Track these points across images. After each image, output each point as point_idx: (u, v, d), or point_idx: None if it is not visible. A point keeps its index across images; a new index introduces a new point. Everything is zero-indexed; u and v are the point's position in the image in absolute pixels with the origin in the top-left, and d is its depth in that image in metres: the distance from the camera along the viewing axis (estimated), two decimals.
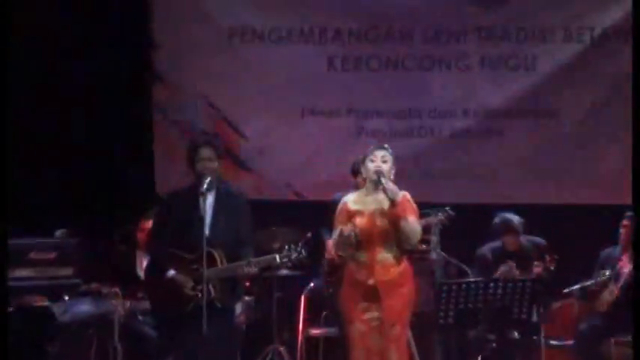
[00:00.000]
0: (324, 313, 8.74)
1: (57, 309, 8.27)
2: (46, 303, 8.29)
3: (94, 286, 8.53)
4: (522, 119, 10.10)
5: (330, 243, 7.56)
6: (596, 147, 9.96)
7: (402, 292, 6.69)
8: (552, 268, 8.42)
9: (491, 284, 7.79)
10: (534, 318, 8.37)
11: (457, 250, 9.02)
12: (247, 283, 8.72)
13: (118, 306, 8.22)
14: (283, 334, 9.07)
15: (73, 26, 10.10)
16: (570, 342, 8.72)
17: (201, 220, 6.84)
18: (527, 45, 10.06)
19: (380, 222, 6.66)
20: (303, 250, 6.89)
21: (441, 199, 8.98)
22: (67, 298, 8.44)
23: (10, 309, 7.57)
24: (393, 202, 6.59)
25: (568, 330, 8.81)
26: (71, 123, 10.23)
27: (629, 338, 7.71)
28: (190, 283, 6.84)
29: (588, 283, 8.67)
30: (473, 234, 9.07)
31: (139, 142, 10.32)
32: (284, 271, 8.90)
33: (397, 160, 6.84)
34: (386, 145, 6.86)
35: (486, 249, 8.79)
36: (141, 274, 8.07)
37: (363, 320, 6.63)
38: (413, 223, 6.68)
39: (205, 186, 6.85)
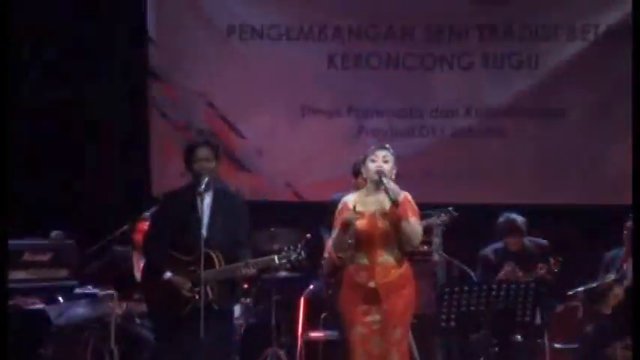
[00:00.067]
0: (323, 315, 8.72)
1: (52, 311, 8.26)
2: (40, 305, 8.28)
3: (89, 288, 8.51)
4: (526, 118, 10.10)
5: (329, 243, 7.53)
6: (601, 147, 9.96)
7: (403, 294, 6.68)
8: (556, 269, 8.40)
9: (494, 286, 7.77)
10: (538, 321, 8.34)
11: (459, 252, 9.01)
12: (245, 285, 8.70)
13: (115, 308, 8.21)
14: (282, 337, 9.05)
15: (69, 23, 10.10)
16: (575, 345, 8.71)
17: (199, 221, 6.83)
18: (530, 43, 10.06)
19: (381, 223, 6.65)
20: (302, 251, 6.87)
21: (443, 200, 8.95)
22: (62, 300, 8.44)
23: None
24: (394, 203, 6.57)
25: (572, 333, 8.80)
26: (66, 122, 10.23)
27: None
28: (188, 285, 6.83)
29: (593, 285, 8.65)
30: (475, 235, 9.06)
31: (134, 141, 10.31)
32: (283, 273, 8.89)
33: (398, 160, 6.83)
34: (387, 145, 6.85)
35: (489, 250, 8.79)
36: (138, 275, 8.05)
37: (364, 323, 6.62)
38: (414, 224, 6.67)
39: (203, 186, 6.84)
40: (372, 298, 6.64)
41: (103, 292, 8.37)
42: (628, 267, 8.45)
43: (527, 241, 8.72)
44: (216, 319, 6.81)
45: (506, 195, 9.86)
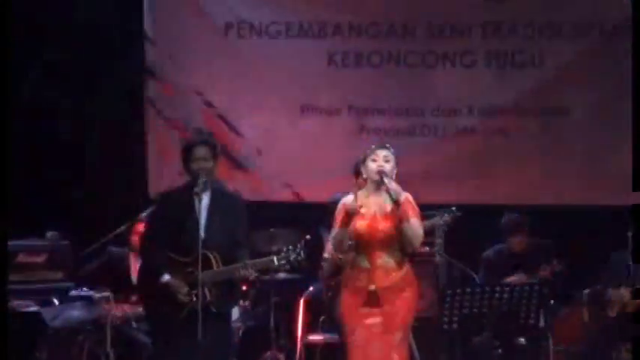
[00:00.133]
0: (322, 318, 8.71)
1: (47, 314, 8.26)
2: (35, 308, 8.28)
3: (85, 290, 8.50)
4: (529, 117, 10.09)
5: (329, 245, 7.52)
6: (606, 146, 9.94)
7: (404, 297, 6.66)
8: (560, 271, 8.39)
9: (497, 288, 7.76)
10: (542, 323, 8.34)
11: (462, 253, 9.00)
12: (244, 287, 8.71)
13: (111, 311, 8.19)
14: (281, 340, 9.06)
15: (67, 21, 10.11)
16: (580, 348, 8.69)
17: (196, 221, 6.81)
18: (534, 41, 10.04)
19: (381, 225, 6.63)
20: (301, 252, 6.85)
21: (444, 200, 8.96)
22: (57, 302, 8.43)
23: None
24: (396, 203, 6.55)
25: (577, 336, 8.79)
26: (60, 121, 10.23)
27: None
28: (185, 289, 6.81)
29: (598, 287, 8.64)
30: (478, 236, 9.05)
31: (132, 141, 10.30)
32: (282, 275, 8.89)
33: (399, 160, 6.81)
34: (388, 145, 6.83)
35: (491, 252, 8.77)
36: (134, 277, 8.04)
37: (364, 326, 6.60)
38: (415, 225, 6.65)
39: (200, 186, 6.82)
40: (373, 300, 6.63)
41: (99, 295, 8.37)
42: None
43: (532, 242, 8.71)
44: (214, 322, 6.80)
45: (509, 195, 9.86)
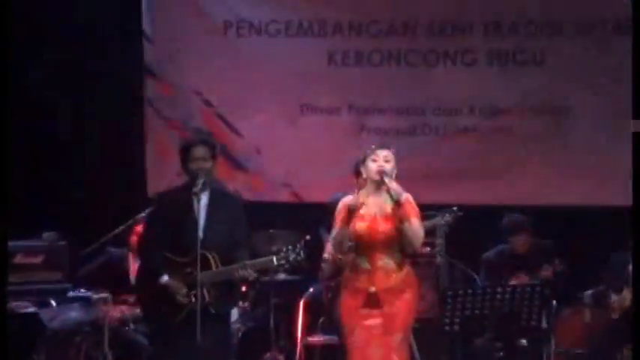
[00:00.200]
0: (321, 320, 8.73)
1: (44, 315, 8.27)
2: (32, 309, 8.29)
3: (83, 291, 8.53)
4: (531, 117, 10.09)
5: (329, 245, 7.55)
6: (610, 146, 9.94)
7: (405, 298, 6.68)
8: (562, 271, 8.41)
9: (499, 289, 7.78)
10: (544, 325, 8.36)
11: (463, 254, 9.02)
12: (243, 288, 8.73)
13: (109, 312, 8.22)
14: (281, 341, 9.07)
15: (65, 20, 10.13)
16: (582, 350, 8.72)
17: (195, 222, 6.84)
18: (536, 39, 10.05)
19: (382, 227, 6.64)
20: (301, 252, 6.87)
21: (445, 201, 8.97)
22: (54, 303, 8.45)
23: None
24: (397, 203, 6.55)
25: (580, 337, 8.80)
26: (58, 121, 10.26)
27: None
28: (184, 290, 6.83)
29: (601, 288, 8.66)
30: (479, 237, 9.07)
31: (131, 141, 10.33)
32: (282, 276, 8.91)
33: (400, 160, 6.83)
34: (388, 145, 6.83)
35: (492, 253, 8.79)
36: (133, 278, 8.06)
37: (364, 327, 6.62)
38: (416, 225, 6.66)
39: (199, 187, 6.85)
40: (373, 302, 6.64)
41: (97, 296, 8.38)
42: None
43: (534, 242, 8.73)
44: (213, 323, 6.81)
45: (510, 196, 9.87)
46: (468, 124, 10.12)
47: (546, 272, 8.42)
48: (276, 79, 10.16)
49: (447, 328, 7.69)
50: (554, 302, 8.72)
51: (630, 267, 8.43)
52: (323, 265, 8.11)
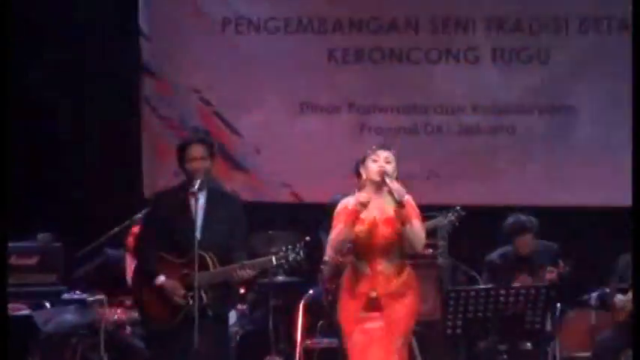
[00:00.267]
0: (320, 323, 8.73)
1: (39, 318, 8.27)
2: (27, 311, 8.29)
3: (78, 293, 8.52)
4: (536, 115, 10.10)
5: (329, 247, 7.54)
6: (616, 145, 9.94)
7: (405, 302, 6.65)
8: (567, 273, 8.41)
9: (502, 291, 7.77)
10: (548, 327, 8.36)
11: (466, 255, 9.02)
12: (242, 290, 8.73)
13: (105, 315, 8.21)
14: (280, 344, 9.07)
15: (62, 19, 10.14)
16: (587, 353, 8.70)
17: (192, 222, 6.83)
18: (541, 36, 10.06)
19: (382, 231, 6.60)
20: (301, 252, 6.86)
21: (448, 201, 8.97)
22: (49, 306, 8.45)
23: None
24: (400, 204, 6.51)
25: (585, 341, 8.80)
26: (54, 120, 10.26)
27: None
28: (181, 291, 6.83)
29: (606, 290, 8.66)
30: (482, 238, 9.07)
31: (127, 140, 10.33)
32: (281, 278, 8.91)
33: (401, 160, 6.81)
34: (389, 146, 6.79)
35: (495, 255, 8.77)
36: (130, 280, 8.06)
37: (364, 331, 6.60)
38: (417, 228, 6.62)
39: (196, 186, 6.84)
40: (373, 306, 6.62)
41: (93, 298, 8.38)
42: None
43: (537, 244, 8.72)
44: (211, 326, 6.81)
45: (514, 196, 9.87)
46: (471, 123, 10.12)
47: (551, 274, 8.40)
48: (275, 77, 10.16)
49: (449, 330, 7.68)
50: (559, 304, 8.71)
51: None
52: (323, 267, 8.10)
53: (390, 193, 6.53)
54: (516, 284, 8.37)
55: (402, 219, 6.52)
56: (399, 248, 6.63)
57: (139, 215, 8.20)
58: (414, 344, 8.39)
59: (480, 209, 9.32)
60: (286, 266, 6.95)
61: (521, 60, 10.09)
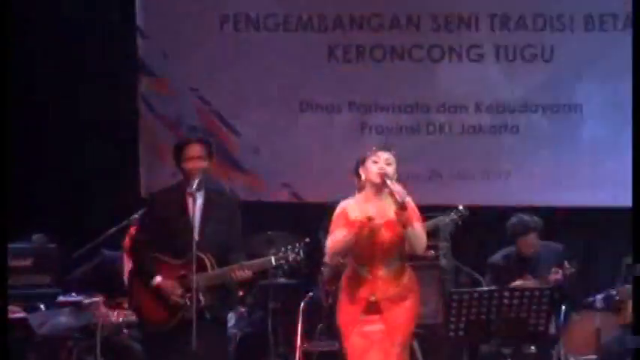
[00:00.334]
0: (320, 326, 8.72)
1: (33, 320, 8.26)
2: (21, 314, 8.28)
3: (73, 295, 8.52)
4: (540, 114, 10.10)
5: (327, 245, 7.52)
6: (622, 144, 9.93)
7: (405, 306, 6.65)
8: (572, 275, 8.39)
9: (506, 293, 7.75)
10: (552, 330, 8.35)
11: (469, 257, 9.00)
12: (241, 293, 8.72)
13: (101, 317, 8.21)
14: (279, 347, 9.08)
15: (57, 16, 10.14)
16: (592, 357, 8.71)
17: (190, 223, 6.83)
18: (545, 33, 10.05)
19: (383, 234, 6.59)
20: (300, 252, 6.86)
21: (451, 202, 8.92)
22: (44, 308, 8.44)
23: None
24: (402, 207, 6.48)
25: (590, 344, 8.79)
26: (50, 119, 10.25)
27: None
28: (179, 290, 6.83)
29: (611, 292, 8.65)
30: (486, 239, 9.06)
31: (123, 139, 10.32)
32: (281, 280, 8.92)
33: (403, 160, 6.79)
34: (389, 147, 6.77)
35: (499, 256, 8.78)
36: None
37: (363, 334, 6.60)
38: (419, 230, 6.61)
39: (194, 186, 6.83)
40: (373, 309, 6.62)
41: (88, 300, 8.37)
42: None
43: (541, 245, 8.71)
44: (209, 328, 6.81)
45: (518, 196, 9.87)
46: (474, 122, 10.12)
47: (555, 275, 8.39)
48: (274, 75, 10.16)
49: (451, 333, 7.66)
50: (564, 306, 8.71)
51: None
52: (323, 268, 8.10)
53: (391, 195, 6.52)
54: (517, 282, 8.37)
55: (403, 221, 6.51)
56: (399, 251, 6.62)
57: (136, 216, 8.20)
58: (417, 347, 8.39)
59: (484, 210, 9.31)
60: (286, 267, 6.95)
61: (525, 58, 10.09)
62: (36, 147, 10.16)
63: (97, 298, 8.34)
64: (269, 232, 8.90)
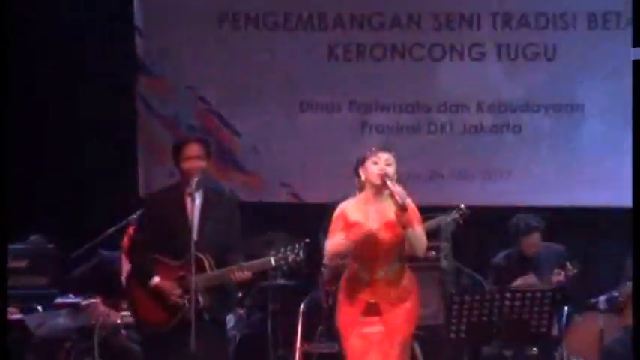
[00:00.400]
0: (320, 328, 8.73)
1: (31, 322, 8.27)
2: (18, 315, 8.29)
3: (71, 296, 8.53)
4: (542, 113, 10.10)
5: (326, 248, 7.54)
6: (624, 144, 9.93)
7: (405, 307, 6.66)
8: (574, 275, 8.40)
9: (508, 295, 7.76)
10: (555, 332, 8.36)
11: (471, 259, 9.01)
12: (240, 294, 8.73)
13: (99, 319, 8.22)
14: (279, 349, 9.08)
15: (55, 16, 10.15)
16: (595, 358, 8.71)
17: (189, 223, 6.84)
18: (547, 32, 10.05)
19: (382, 236, 6.60)
20: (300, 252, 6.87)
21: (452, 202, 8.94)
22: (41, 309, 8.45)
23: None
24: (403, 209, 6.49)
25: (592, 345, 8.79)
26: (49, 119, 10.26)
27: None
28: (178, 291, 6.84)
29: (615, 293, 8.66)
30: (487, 240, 9.07)
31: (121, 139, 10.33)
32: (280, 281, 8.92)
33: (404, 159, 6.81)
34: (389, 147, 6.78)
35: (501, 257, 8.78)
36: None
37: (362, 335, 6.61)
38: (419, 232, 6.62)
39: (193, 187, 6.85)
40: (372, 311, 6.63)
41: (86, 301, 8.38)
42: None
43: (544, 246, 8.72)
44: (208, 330, 6.82)
45: (521, 197, 9.87)
46: (475, 122, 10.12)
47: (558, 276, 8.41)
48: (273, 74, 10.16)
49: (452, 335, 7.67)
50: (566, 308, 8.72)
51: None
52: (323, 269, 8.11)
53: (392, 196, 6.53)
54: (519, 281, 8.38)
55: (403, 223, 6.52)
56: (399, 253, 6.63)
57: (135, 216, 8.21)
58: (417, 349, 8.39)
59: (485, 210, 9.32)
60: (285, 267, 6.96)
61: (527, 57, 10.09)
62: (35, 147, 10.17)
63: (95, 299, 8.35)
64: (268, 233, 8.91)
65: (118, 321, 8.27)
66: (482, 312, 7.67)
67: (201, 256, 6.79)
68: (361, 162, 6.79)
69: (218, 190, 7.30)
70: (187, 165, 6.94)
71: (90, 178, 10.17)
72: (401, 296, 6.66)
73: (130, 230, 8.16)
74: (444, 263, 9.05)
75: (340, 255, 6.70)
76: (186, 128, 10.00)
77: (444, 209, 8.60)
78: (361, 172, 6.78)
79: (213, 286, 6.84)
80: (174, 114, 10.33)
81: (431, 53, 10.14)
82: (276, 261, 6.90)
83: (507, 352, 8.38)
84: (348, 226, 6.63)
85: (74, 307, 8.40)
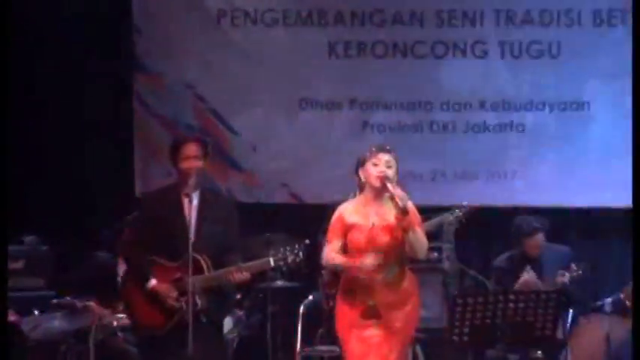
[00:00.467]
0: (320, 331, 8.71)
1: (26, 324, 8.26)
2: (13, 318, 8.28)
3: (67, 299, 8.52)
4: (546, 112, 10.10)
5: (324, 254, 7.53)
6: (629, 143, 9.92)
7: (405, 310, 6.66)
8: (578, 276, 8.39)
9: (512, 297, 7.74)
10: (560, 334, 8.34)
11: (473, 259, 8.99)
12: (238, 295, 8.72)
13: (95, 321, 8.21)
14: (278, 352, 9.08)
15: (54, 15, 10.15)
16: None
17: (186, 223, 6.82)
18: (551, 29, 10.05)
19: (381, 239, 6.59)
20: (300, 253, 6.87)
21: (454, 202, 8.93)
22: (37, 312, 8.44)
23: None
24: (404, 212, 6.45)
25: (598, 348, 8.78)
26: (45, 118, 10.26)
27: None
28: (174, 293, 6.83)
29: (621, 296, 8.65)
30: (490, 240, 9.05)
31: (118, 138, 10.32)
32: (279, 282, 8.91)
33: (405, 159, 6.79)
34: (389, 148, 6.75)
35: (503, 258, 8.77)
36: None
37: (361, 338, 6.60)
38: (420, 235, 6.61)
39: (190, 186, 6.83)
40: (372, 313, 6.62)
41: (82, 304, 8.37)
42: None
43: (548, 248, 8.71)
44: (206, 332, 6.82)
45: (524, 196, 9.87)
46: (478, 120, 10.11)
47: (562, 278, 8.39)
48: (273, 71, 10.16)
49: (456, 338, 7.65)
50: (571, 310, 8.70)
51: None
52: (323, 271, 8.10)
53: (392, 199, 6.50)
54: (521, 280, 8.37)
55: (404, 226, 6.50)
56: (399, 256, 6.61)
57: (131, 217, 8.20)
58: (420, 352, 8.38)
59: (489, 211, 9.30)
60: (285, 268, 6.96)
61: (531, 54, 10.08)
62: (32, 146, 10.15)
63: (91, 302, 8.34)
64: (267, 234, 8.89)
65: (115, 323, 8.26)
66: (486, 314, 7.64)
67: (199, 257, 6.78)
68: (361, 163, 6.78)
69: (215, 190, 7.33)
70: (185, 165, 6.94)
71: (88, 179, 10.16)
72: (401, 299, 6.65)
73: (126, 231, 8.14)
74: (446, 265, 9.03)
75: (335, 268, 6.73)
76: (184, 127, 9.99)
77: (447, 209, 8.59)
78: (361, 173, 6.77)
79: (210, 287, 6.83)
80: (171, 113, 10.33)
81: (433, 51, 10.13)
82: (275, 262, 6.89)
83: (512, 356, 8.36)
84: (347, 228, 6.62)
85: (70, 309, 8.39)
